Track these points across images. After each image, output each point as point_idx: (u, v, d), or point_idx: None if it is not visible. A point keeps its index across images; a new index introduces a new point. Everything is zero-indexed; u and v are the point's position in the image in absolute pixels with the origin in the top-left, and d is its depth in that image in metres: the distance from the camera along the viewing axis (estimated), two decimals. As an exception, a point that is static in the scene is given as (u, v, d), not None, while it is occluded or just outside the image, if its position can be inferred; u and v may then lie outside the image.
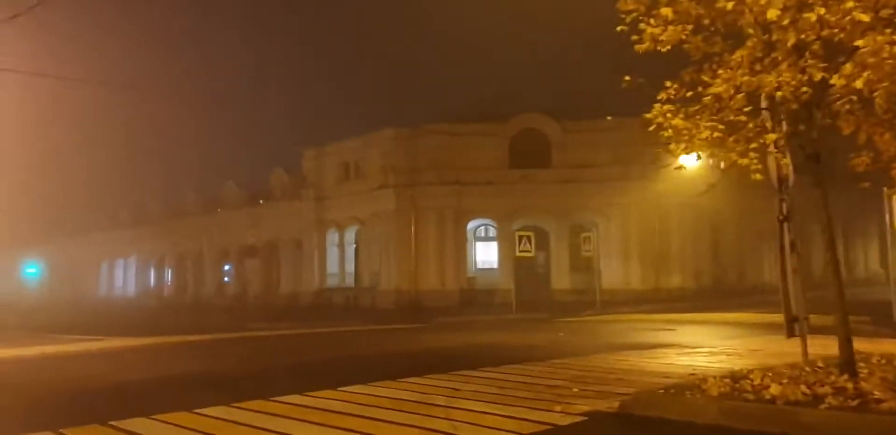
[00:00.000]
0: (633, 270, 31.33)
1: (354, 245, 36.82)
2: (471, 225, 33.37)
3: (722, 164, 7.36)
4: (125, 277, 57.08)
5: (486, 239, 33.81)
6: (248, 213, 43.14)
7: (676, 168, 8.06)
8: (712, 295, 30.56)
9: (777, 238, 7.87)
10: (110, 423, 7.44)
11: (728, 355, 11.64)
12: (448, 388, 8.98)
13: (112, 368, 13.24)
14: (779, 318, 16.24)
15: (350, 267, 36.86)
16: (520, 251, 24.96)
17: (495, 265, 32.47)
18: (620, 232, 31.62)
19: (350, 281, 36.52)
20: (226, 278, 46.76)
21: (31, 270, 65.24)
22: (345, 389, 9.17)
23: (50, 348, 17.24)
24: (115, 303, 50.44)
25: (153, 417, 7.69)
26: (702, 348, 12.86)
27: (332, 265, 37.49)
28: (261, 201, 42.98)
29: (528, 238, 24.91)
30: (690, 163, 8.35)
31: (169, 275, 52.45)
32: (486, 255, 33.46)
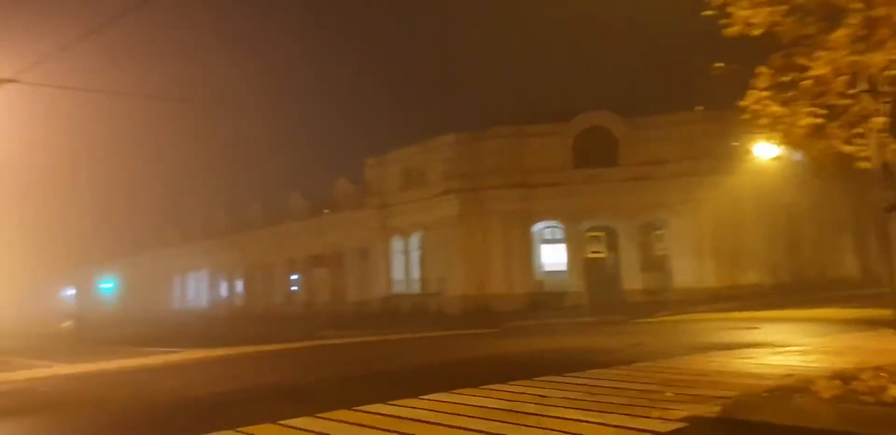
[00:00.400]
0: (707, 268, 30.41)
1: (420, 251, 36.78)
2: (537, 227, 32.95)
3: (796, 154, 6.91)
4: (197, 290, 58.35)
5: (553, 241, 33.31)
6: (314, 223, 43.59)
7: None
8: (792, 291, 29.44)
9: (873, 229, 7.36)
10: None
11: (824, 354, 11.05)
12: (535, 395, 8.71)
13: (193, 381, 13.35)
14: (870, 313, 15.45)
15: (416, 273, 36.83)
16: (591, 252, 24.50)
17: (563, 267, 31.96)
18: (693, 229, 30.73)
19: (416, 287, 36.49)
20: (295, 288, 47.32)
21: (107, 285, 67.48)
22: (427, 397, 8.99)
23: (130, 362, 17.59)
24: (189, 315, 51.50)
25: (240, 429, 7.64)
26: (792, 347, 12.28)
27: (398, 272, 37.54)
28: (326, 211, 43.35)
29: (599, 239, 24.43)
30: (773, 153, 7.90)
31: (239, 286, 53.39)
32: (553, 257, 32.95)
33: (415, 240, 36.85)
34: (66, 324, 50.57)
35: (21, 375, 15.73)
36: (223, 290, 55.18)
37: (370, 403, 8.71)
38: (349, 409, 8.45)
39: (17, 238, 65.56)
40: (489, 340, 18.60)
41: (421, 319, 30.11)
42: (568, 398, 8.34)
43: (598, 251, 24.58)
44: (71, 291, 75.20)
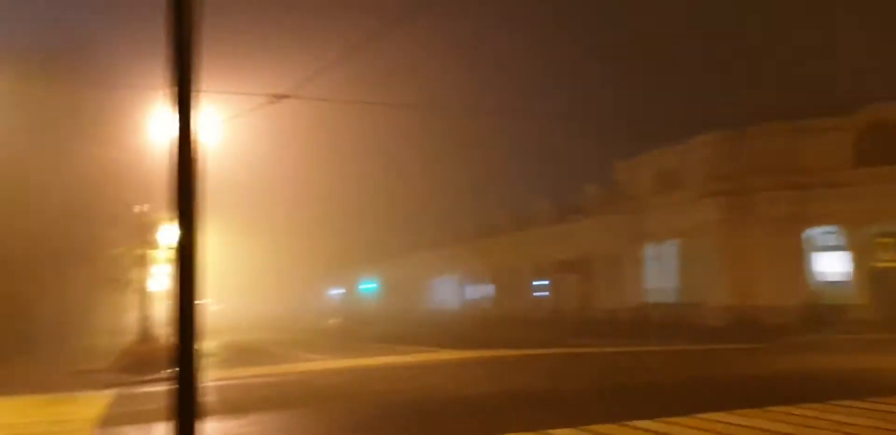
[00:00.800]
0: None
1: (676, 258, 34.88)
2: (810, 232, 29.69)
3: None
4: (449, 292, 60.57)
5: (831, 248, 29.74)
6: (561, 228, 43.19)
7: None
8: None
9: None
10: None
11: None
12: (833, 421, 7.53)
13: (452, 380, 13.46)
14: None
15: (672, 282, 34.95)
16: (881, 261, 21.46)
17: (843, 277, 28.42)
18: None
19: (672, 296, 34.63)
20: (542, 293, 47.30)
21: (369, 286, 72.53)
22: (703, 416, 8.14)
23: (392, 359, 18.36)
24: (442, 316, 53.51)
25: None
26: None
27: (652, 280, 35.90)
28: (573, 216, 42.78)
29: (891, 246, 21.33)
30: None
31: (487, 290, 54.53)
32: (830, 265, 29.48)
33: (670, 246, 35.02)
34: (334, 321, 55.08)
35: (299, 367, 17.01)
36: (472, 293, 56.73)
37: (637, 418, 8.06)
38: (618, 423, 7.86)
39: (295, 242, 72.59)
40: (761, 356, 16.91)
41: (677, 330, 28.38)
42: (878, 428, 7.08)
43: (891, 260, 21.43)
44: (338, 291, 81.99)
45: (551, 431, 7.51)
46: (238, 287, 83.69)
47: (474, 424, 8.29)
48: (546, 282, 46.35)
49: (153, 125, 18.03)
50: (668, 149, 34.35)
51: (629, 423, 7.88)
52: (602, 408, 9.31)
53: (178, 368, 2.08)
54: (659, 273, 35.42)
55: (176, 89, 2.08)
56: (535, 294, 47.41)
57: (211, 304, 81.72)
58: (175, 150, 2.18)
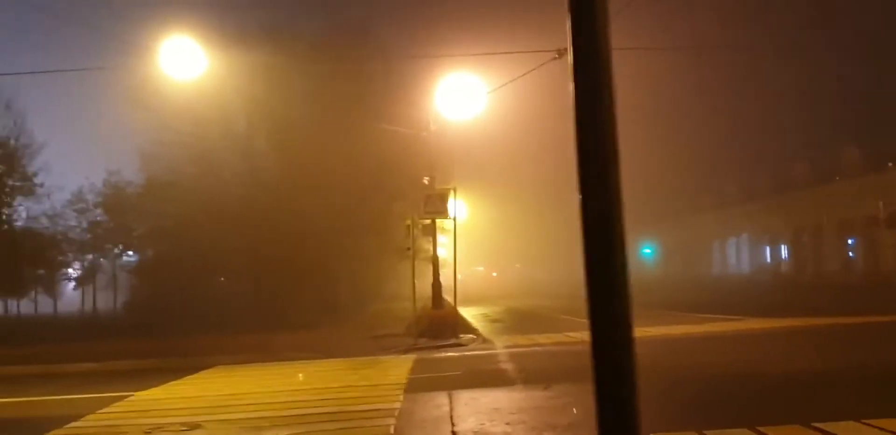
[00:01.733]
0: None
1: None
2: None
3: None
4: (738, 255, 56.56)
5: None
6: (873, 180, 37.95)
7: None
8: None
9: None
10: (814, 425, 6.09)
11: None
12: None
13: (767, 354, 11.97)
14: None
15: None
16: None
17: None
18: None
19: None
20: (851, 253, 42.18)
21: (647, 250, 70.01)
22: None
23: (690, 328, 17.03)
24: (731, 281, 50.05)
25: (864, 421, 6.08)
26: None
27: None
28: (890, 164, 37.36)
29: None
30: None
31: (784, 251, 50.00)
32: None
33: None
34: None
35: (586, 335, 16.33)
36: (766, 255, 52.37)
37: None
38: None
39: (564, 206, 72.05)
40: None
41: None
42: None
43: None
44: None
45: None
46: (508, 254, 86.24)
47: (805, 409, 7.00)
48: (857, 240, 41.27)
49: (436, 98, 18.28)
50: None
51: None
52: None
53: (596, 328, 1.57)
54: None
55: (583, 48, 1.55)
56: (847, 255, 42.42)
57: (484, 271, 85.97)
58: (585, 120, 1.64)
